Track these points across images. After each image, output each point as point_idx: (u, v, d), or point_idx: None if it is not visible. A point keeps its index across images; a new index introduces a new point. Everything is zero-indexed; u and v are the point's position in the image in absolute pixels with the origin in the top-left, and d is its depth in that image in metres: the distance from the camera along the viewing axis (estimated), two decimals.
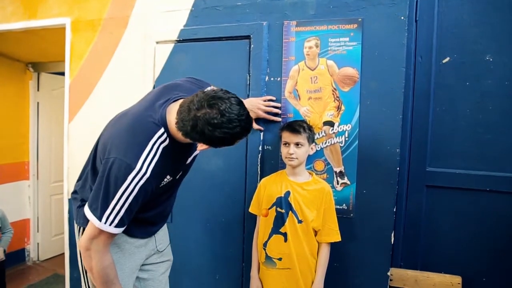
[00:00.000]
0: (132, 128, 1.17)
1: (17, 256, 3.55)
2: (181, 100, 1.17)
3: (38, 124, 3.64)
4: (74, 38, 2.29)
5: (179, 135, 1.14)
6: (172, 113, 1.16)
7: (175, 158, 1.25)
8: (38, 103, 3.62)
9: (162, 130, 1.16)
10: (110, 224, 1.14)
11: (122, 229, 1.18)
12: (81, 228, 1.33)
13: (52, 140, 3.72)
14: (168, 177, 1.25)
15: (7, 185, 3.43)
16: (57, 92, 3.68)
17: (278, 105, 1.73)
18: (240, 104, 1.10)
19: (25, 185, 3.61)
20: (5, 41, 2.89)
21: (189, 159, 1.39)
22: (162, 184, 1.24)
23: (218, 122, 1.04)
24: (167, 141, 1.17)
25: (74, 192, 1.40)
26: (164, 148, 1.16)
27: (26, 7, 2.43)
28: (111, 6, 2.18)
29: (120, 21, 2.15)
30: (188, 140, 1.15)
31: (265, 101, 1.72)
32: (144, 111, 1.20)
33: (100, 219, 1.13)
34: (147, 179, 1.13)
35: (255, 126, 1.75)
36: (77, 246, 1.44)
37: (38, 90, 3.61)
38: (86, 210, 1.18)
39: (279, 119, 1.74)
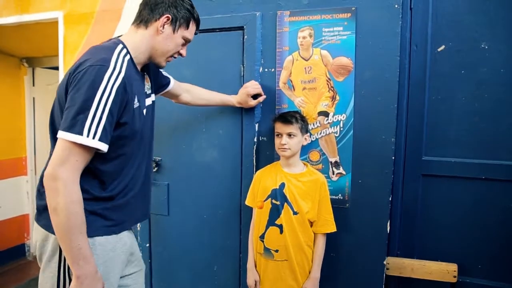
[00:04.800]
0: (95, 49, 1.17)
1: (17, 251, 3.57)
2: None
3: (35, 119, 3.63)
4: (67, 31, 2.27)
5: (135, 39, 1.22)
6: (123, 35, 1.26)
7: (136, 80, 1.22)
8: (34, 98, 3.61)
9: (121, 45, 1.18)
10: (93, 137, 1.03)
11: (106, 146, 1.07)
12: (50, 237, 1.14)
13: (49, 135, 3.71)
14: (136, 100, 1.19)
15: (5, 181, 3.43)
16: (53, 87, 3.65)
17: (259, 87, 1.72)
18: None
19: (23, 180, 3.61)
20: None
21: (147, 100, 1.33)
22: (134, 105, 1.18)
23: None
24: (128, 56, 1.19)
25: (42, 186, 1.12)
26: (128, 61, 1.17)
27: (18, 1, 2.40)
28: None
29: (113, 14, 2.13)
30: (143, 52, 1.23)
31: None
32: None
33: (81, 133, 1.01)
34: (122, 79, 1.10)
35: (253, 102, 1.72)
36: None
37: (33, 85, 3.60)
38: (59, 134, 1.04)
39: (264, 96, 1.72)
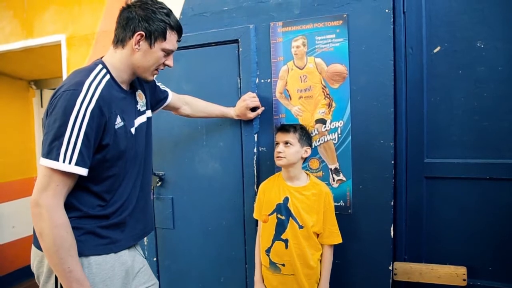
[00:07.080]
0: (75, 72, 1.19)
1: (29, 270, 3.60)
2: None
3: None
4: (70, 53, 2.33)
5: (115, 59, 1.21)
6: (105, 55, 1.25)
7: (121, 99, 1.22)
8: (42, 119, 3.69)
9: (100, 65, 1.19)
10: (70, 162, 1.04)
11: (85, 170, 1.08)
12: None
13: None
14: (119, 120, 1.18)
15: (17, 201, 3.50)
16: None
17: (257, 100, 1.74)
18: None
19: None
20: (6, 61, 2.96)
21: (140, 118, 1.32)
22: (117, 126, 1.17)
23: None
24: (108, 76, 1.19)
25: None
26: (107, 81, 1.17)
27: (24, 27, 2.49)
28: (103, 20, 2.22)
29: (113, 34, 2.18)
30: (125, 70, 1.22)
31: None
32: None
33: (57, 159, 1.03)
34: (97, 101, 1.09)
35: (252, 115, 1.74)
36: None
37: (41, 106, 3.70)
38: (40, 161, 1.07)
39: (262, 108, 1.74)
